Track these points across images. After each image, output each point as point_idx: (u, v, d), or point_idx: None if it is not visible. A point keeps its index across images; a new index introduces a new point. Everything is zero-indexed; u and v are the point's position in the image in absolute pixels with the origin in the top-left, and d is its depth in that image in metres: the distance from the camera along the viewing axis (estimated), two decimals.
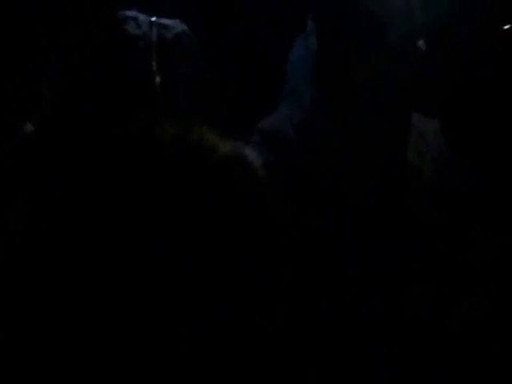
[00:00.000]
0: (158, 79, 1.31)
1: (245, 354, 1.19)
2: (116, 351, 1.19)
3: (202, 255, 1.22)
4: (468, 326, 1.74)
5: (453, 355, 1.68)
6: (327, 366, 1.49)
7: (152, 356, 1.21)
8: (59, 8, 1.39)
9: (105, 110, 1.26)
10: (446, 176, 1.82)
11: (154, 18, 1.45)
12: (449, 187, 1.83)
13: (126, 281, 1.16)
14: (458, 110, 2.15)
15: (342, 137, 1.69)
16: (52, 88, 1.30)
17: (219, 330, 1.15)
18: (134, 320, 1.19)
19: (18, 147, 1.25)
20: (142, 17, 1.46)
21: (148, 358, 1.21)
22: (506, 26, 2.15)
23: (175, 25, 1.47)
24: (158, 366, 1.23)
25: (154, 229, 1.20)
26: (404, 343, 1.66)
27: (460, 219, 1.82)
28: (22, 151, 1.23)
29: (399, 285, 1.69)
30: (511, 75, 1.94)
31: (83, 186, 1.21)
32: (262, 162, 1.43)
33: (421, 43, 1.68)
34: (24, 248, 1.23)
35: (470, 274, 1.78)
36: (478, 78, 2.01)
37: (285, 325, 1.27)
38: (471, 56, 1.96)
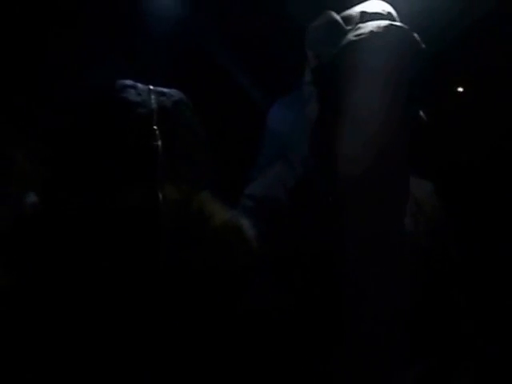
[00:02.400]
0: (159, 143, 1.31)
1: None
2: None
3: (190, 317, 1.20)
4: None
5: None
6: None
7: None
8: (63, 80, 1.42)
9: (107, 175, 1.27)
10: (438, 240, 1.79)
11: (151, 87, 1.47)
12: (441, 251, 1.80)
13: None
14: (452, 172, 2.16)
15: (337, 203, 1.66)
16: (52, 153, 1.31)
17: None
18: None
19: (23, 215, 1.26)
20: (140, 85, 1.48)
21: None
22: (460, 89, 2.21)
23: (173, 93, 1.49)
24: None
25: (149, 285, 1.19)
26: None
27: (451, 288, 1.79)
28: (27, 219, 1.24)
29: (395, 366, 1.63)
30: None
31: (86, 250, 1.21)
32: (255, 233, 1.42)
33: (421, 113, 1.69)
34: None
35: (460, 344, 1.74)
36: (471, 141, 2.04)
37: None
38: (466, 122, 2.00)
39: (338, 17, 1.68)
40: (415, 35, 1.63)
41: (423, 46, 1.63)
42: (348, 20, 1.67)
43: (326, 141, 1.67)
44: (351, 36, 1.61)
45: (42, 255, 1.23)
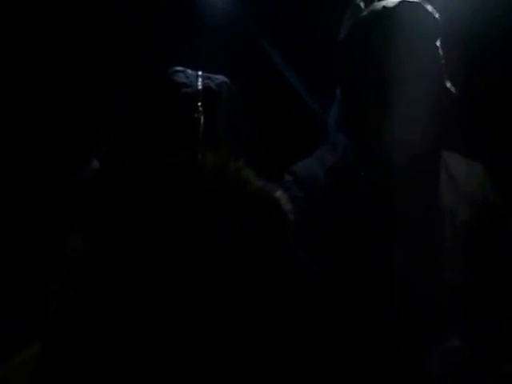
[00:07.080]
0: (202, 119, 1.49)
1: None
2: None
3: (224, 278, 1.30)
4: None
5: None
6: None
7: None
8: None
9: (156, 143, 1.46)
10: (485, 221, 1.79)
11: (200, 72, 1.67)
12: (487, 232, 1.79)
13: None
14: (503, 154, 2.15)
15: (372, 180, 1.73)
16: (113, 127, 1.53)
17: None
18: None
19: (87, 181, 1.45)
20: (189, 70, 1.68)
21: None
22: None
23: (218, 77, 1.67)
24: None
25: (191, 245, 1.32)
26: None
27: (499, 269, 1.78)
28: (90, 184, 1.43)
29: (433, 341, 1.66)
30: None
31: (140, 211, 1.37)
32: (291, 207, 1.51)
33: (449, 85, 1.71)
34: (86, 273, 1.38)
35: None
36: None
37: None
38: None
39: (361, 3, 1.75)
40: (430, 8, 1.66)
41: (438, 17, 1.66)
42: (368, 3, 1.74)
43: (349, 116, 1.75)
44: (364, 13, 1.69)
45: (109, 218, 1.38)
